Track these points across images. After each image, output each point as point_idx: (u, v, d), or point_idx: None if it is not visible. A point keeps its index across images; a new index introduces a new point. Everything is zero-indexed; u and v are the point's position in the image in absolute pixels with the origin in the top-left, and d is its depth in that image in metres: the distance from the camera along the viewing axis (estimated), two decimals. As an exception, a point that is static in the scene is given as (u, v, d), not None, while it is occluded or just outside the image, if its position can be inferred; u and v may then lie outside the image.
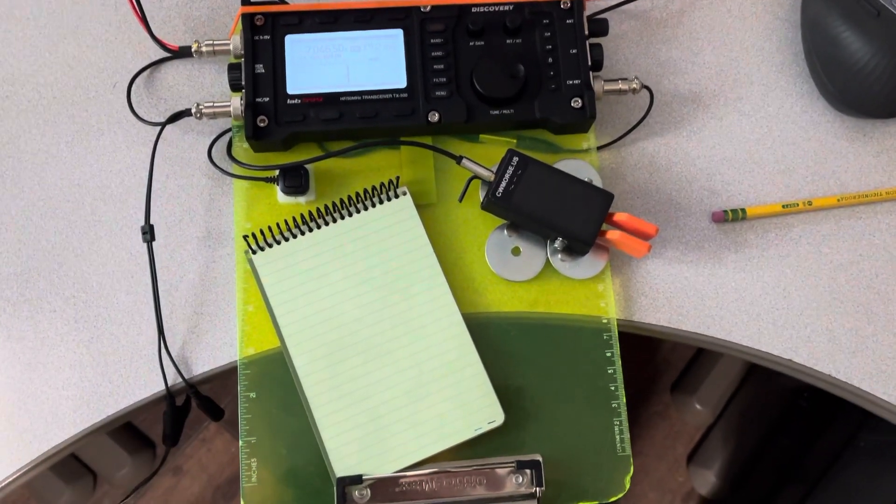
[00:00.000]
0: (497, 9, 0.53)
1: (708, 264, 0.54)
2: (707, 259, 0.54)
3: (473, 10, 0.53)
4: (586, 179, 0.52)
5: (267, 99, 0.51)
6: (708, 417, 1.19)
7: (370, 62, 0.53)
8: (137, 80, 0.55)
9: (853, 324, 0.54)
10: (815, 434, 1.13)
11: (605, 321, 0.52)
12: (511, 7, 0.53)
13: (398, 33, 0.53)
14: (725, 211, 0.54)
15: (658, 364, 1.23)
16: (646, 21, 0.58)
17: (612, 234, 0.51)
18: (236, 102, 0.51)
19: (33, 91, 0.55)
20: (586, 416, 0.51)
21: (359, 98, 0.52)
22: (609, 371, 0.52)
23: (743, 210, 0.54)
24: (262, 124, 0.51)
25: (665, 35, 0.58)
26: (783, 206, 0.55)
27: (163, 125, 0.53)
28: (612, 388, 0.51)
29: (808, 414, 1.15)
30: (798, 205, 0.55)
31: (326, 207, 0.52)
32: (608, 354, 0.52)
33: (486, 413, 0.50)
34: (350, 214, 0.52)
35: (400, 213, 0.53)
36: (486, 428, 0.49)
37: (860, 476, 0.99)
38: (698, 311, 0.53)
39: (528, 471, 0.48)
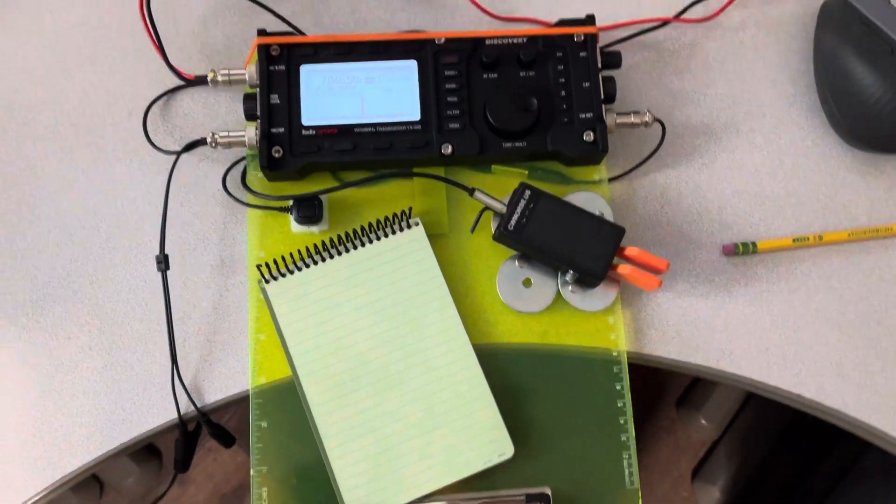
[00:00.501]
0: (511, 41, 0.54)
1: (718, 297, 0.54)
2: (717, 292, 0.54)
3: (487, 42, 0.54)
4: (598, 212, 0.52)
5: (282, 129, 0.52)
6: (713, 433, 1.19)
7: (384, 93, 0.53)
8: (153, 108, 0.56)
9: (862, 359, 0.54)
10: (821, 452, 1.13)
11: (615, 354, 0.53)
12: (525, 40, 0.54)
13: (412, 65, 0.53)
14: (736, 244, 0.54)
15: (663, 379, 1.23)
16: (659, 52, 0.59)
17: (623, 269, 0.51)
18: (251, 132, 0.52)
19: (51, 118, 0.56)
20: (595, 450, 0.51)
21: (373, 130, 0.52)
22: (619, 404, 0.52)
23: (753, 243, 0.55)
24: (276, 155, 0.51)
25: (678, 66, 0.58)
26: (794, 241, 0.55)
27: (178, 154, 0.54)
28: (622, 422, 0.52)
29: (814, 431, 1.15)
30: (809, 239, 0.55)
31: (339, 237, 0.52)
32: (618, 387, 0.52)
33: (496, 446, 0.50)
34: (363, 244, 0.53)
35: (412, 243, 0.53)
36: (496, 461, 0.50)
37: (866, 496, 0.99)
38: (708, 344, 0.54)
39: (537, 504, 0.48)
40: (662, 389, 1.22)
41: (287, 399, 0.51)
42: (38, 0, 0.58)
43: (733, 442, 1.20)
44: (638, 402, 0.52)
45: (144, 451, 1.16)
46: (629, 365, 0.52)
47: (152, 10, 0.54)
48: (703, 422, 1.18)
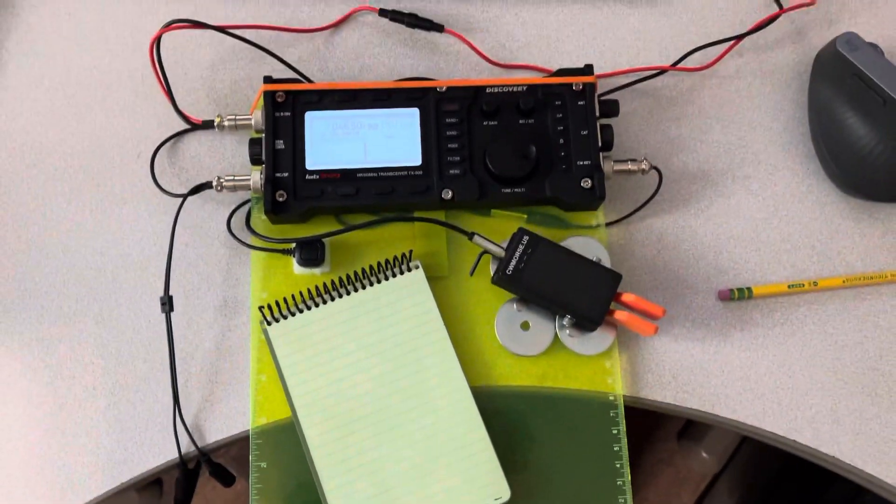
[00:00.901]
0: (511, 90, 0.55)
1: (714, 342, 0.55)
2: (713, 337, 0.55)
3: (488, 91, 0.55)
4: (595, 257, 0.53)
5: (286, 174, 0.53)
6: (714, 466, 1.19)
7: (387, 139, 0.54)
8: (161, 151, 0.57)
9: (857, 405, 0.54)
10: (822, 487, 1.13)
11: (612, 398, 0.53)
12: (524, 89, 0.55)
13: (414, 112, 0.54)
14: (732, 290, 0.55)
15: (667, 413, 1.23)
16: (656, 99, 0.60)
17: (620, 315, 0.52)
18: (256, 177, 0.53)
19: (60, 160, 0.57)
20: (592, 494, 0.52)
21: (375, 175, 0.53)
22: (615, 448, 0.52)
23: (749, 289, 0.55)
24: (280, 199, 0.53)
25: (675, 113, 0.60)
26: (789, 286, 0.56)
27: (184, 197, 0.55)
28: (618, 466, 0.52)
29: (814, 467, 1.14)
30: (804, 285, 0.56)
31: (340, 280, 0.53)
32: (615, 431, 0.53)
33: (493, 489, 0.50)
34: (363, 287, 0.54)
35: (412, 286, 0.54)
36: (492, 504, 0.50)
37: (867, 533, 0.98)
38: (704, 388, 0.54)
39: (533, 549, 0.49)
40: (663, 421, 1.22)
41: (287, 440, 0.52)
42: (52, 45, 0.59)
43: (734, 476, 1.19)
44: (638, 433, 0.52)
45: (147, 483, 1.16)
46: (635, 406, 0.53)
47: (162, 55, 0.56)
48: (704, 455, 1.18)
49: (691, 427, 1.20)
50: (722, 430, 1.20)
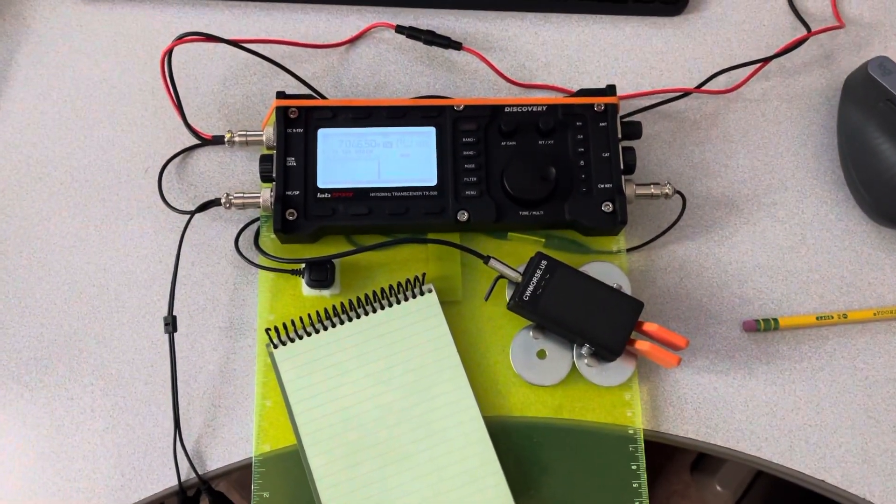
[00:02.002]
0: (530, 109, 0.53)
1: (738, 375, 0.53)
2: (737, 370, 0.53)
3: (507, 110, 0.53)
4: (615, 284, 0.51)
5: (297, 192, 0.51)
6: (729, 500, 1.16)
7: (401, 158, 0.52)
8: (169, 167, 0.56)
9: (889, 444, 0.52)
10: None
11: (631, 431, 0.51)
12: (544, 108, 0.53)
13: (430, 131, 0.53)
14: (757, 320, 0.53)
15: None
16: (680, 122, 0.58)
17: (642, 345, 0.49)
18: (266, 194, 0.51)
19: (66, 173, 0.56)
20: (609, 533, 0.49)
21: (389, 194, 0.52)
22: (634, 485, 0.50)
23: (776, 320, 0.53)
24: (290, 218, 0.51)
25: (699, 137, 0.58)
26: (817, 318, 0.53)
27: (192, 214, 0.53)
28: (637, 503, 0.50)
29: (833, 502, 1.11)
30: (833, 317, 0.53)
31: (350, 303, 0.51)
32: (633, 467, 0.50)
33: (506, 526, 0.48)
34: (374, 310, 0.52)
35: (424, 310, 0.52)
36: (504, 542, 0.48)
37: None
38: (728, 424, 0.52)
39: (547, 592, 0.46)
40: (677, 453, 1.19)
41: (291, 469, 0.49)
42: (61, 56, 0.58)
43: (749, 510, 1.16)
44: (652, 464, 0.50)
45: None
46: (656, 440, 0.51)
47: (173, 69, 0.54)
48: (719, 488, 1.15)
49: (705, 459, 1.17)
50: (737, 464, 1.17)
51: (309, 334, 0.51)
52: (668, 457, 1.18)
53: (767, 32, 0.60)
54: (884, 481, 0.51)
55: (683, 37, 0.60)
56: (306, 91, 0.56)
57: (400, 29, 0.58)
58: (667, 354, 0.49)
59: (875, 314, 0.53)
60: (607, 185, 0.52)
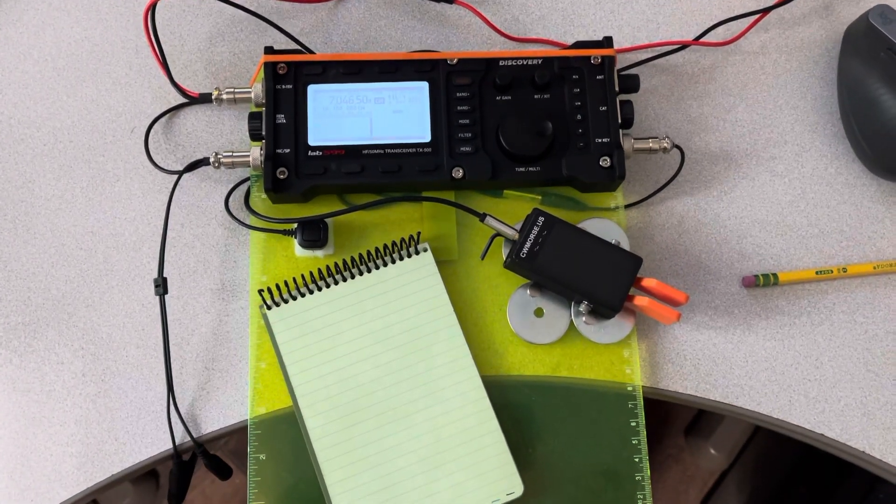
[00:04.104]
0: (526, 63, 0.52)
1: (737, 331, 0.52)
2: (737, 325, 0.52)
3: (501, 63, 0.52)
4: (613, 240, 0.50)
5: (287, 150, 0.50)
6: (723, 463, 1.17)
7: (394, 115, 0.51)
8: (156, 126, 0.54)
9: (889, 398, 0.51)
10: (833, 484, 1.10)
11: (630, 388, 0.50)
12: (540, 62, 0.52)
13: (423, 86, 0.52)
14: (756, 276, 0.52)
15: (672, 405, 1.21)
16: (677, 76, 0.57)
17: (641, 301, 0.49)
18: (256, 153, 0.50)
19: (49, 135, 0.54)
20: (609, 490, 0.49)
21: (381, 151, 0.51)
22: (633, 441, 0.50)
23: (775, 275, 0.52)
24: (281, 176, 0.50)
25: (696, 91, 0.57)
26: (817, 273, 0.53)
27: (180, 174, 0.52)
28: (637, 460, 0.49)
29: (826, 462, 1.12)
30: (832, 271, 0.53)
31: (345, 262, 0.50)
32: (633, 424, 0.50)
33: (505, 484, 0.48)
34: (369, 270, 0.51)
35: (420, 269, 0.51)
36: (504, 500, 0.47)
37: (880, 531, 0.96)
38: (727, 379, 0.51)
39: (547, 548, 0.46)
40: (670, 416, 1.20)
41: (287, 431, 0.49)
42: (41, 14, 0.56)
43: (743, 472, 1.17)
44: (645, 429, 0.50)
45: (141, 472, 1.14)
46: (655, 397, 0.50)
47: (157, 26, 0.53)
48: (713, 451, 1.16)
49: (699, 423, 1.18)
50: (730, 426, 1.18)
51: (303, 295, 0.50)
52: (662, 421, 1.18)
53: (766, -17, 0.59)
54: (883, 434, 0.51)
55: (681, -12, 0.59)
56: (296, 47, 0.55)
57: (390, -18, 0.57)
58: (666, 310, 0.48)
59: (875, 268, 0.53)
60: (605, 140, 0.51)
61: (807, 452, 1.16)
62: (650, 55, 0.56)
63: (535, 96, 0.52)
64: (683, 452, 1.18)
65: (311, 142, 0.50)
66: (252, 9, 0.54)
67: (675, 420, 1.20)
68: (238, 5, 0.54)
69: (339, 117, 0.51)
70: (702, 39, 0.57)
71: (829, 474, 1.10)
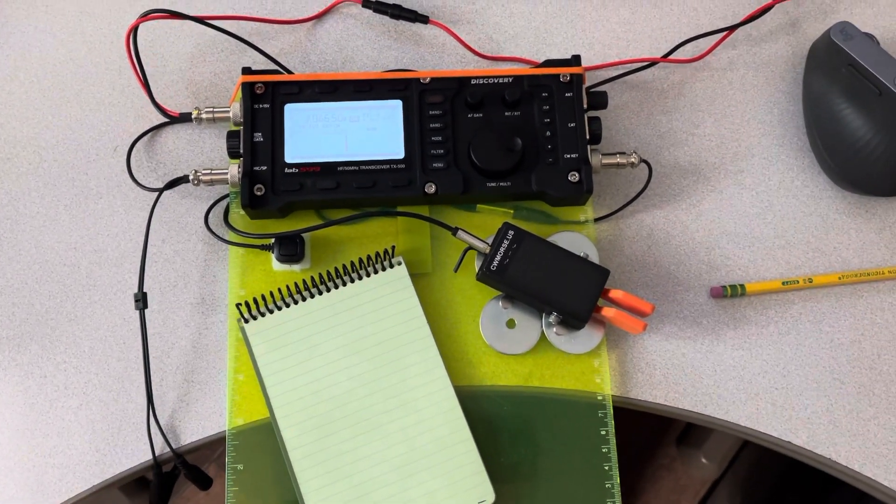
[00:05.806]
0: (496, 81, 0.54)
1: (706, 341, 0.53)
2: (705, 335, 0.53)
3: (473, 82, 0.53)
4: (583, 253, 0.52)
5: (265, 168, 0.51)
6: (714, 472, 1.17)
7: (368, 132, 0.53)
8: (137, 145, 0.56)
9: (854, 405, 0.52)
10: (824, 494, 1.11)
11: (600, 398, 0.51)
12: (510, 80, 0.53)
13: (397, 104, 0.53)
14: (724, 286, 0.54)
15: (663, 416, 1.21)
16: (646, 92, 0.58)
17: (608, 311, 0.50)
18: (234, 170, 0.52)
19: (34, 153, 0.56)
20: (579, 497, 0.50)
21: (356, 168, 0.52)
22: (603, 450, 0.51)
23: (742, 286, 0.54)
24: (258, 193, 0.51)
25: (666, 106, 0.58)
26: (783, 283, 0.54)
27: (160, 191, 0.53)
28: (606, 468, 0.50)
29: (816, 472, 1.12)
30: (798, 282, 0.54)
31: (321, 276, 0.52)
32: (603, 432, 0.51)
33: (477, 492, 0.49)
34: (344, 284, 0.52)
35: (394, 283, 0.52)
36: (475, 508, 0.48)
37: (869, 540, 0.96)
38: (695, 388, 0.53)
39: (517, 554, 0.47)
40: (662, 427, 1.20)
41: (264, 441, 0.50)
42: (27, 37, 0.58)
43: (735, 482, 1.17)
44: (637, 439, 0.51)
45: (133, 483, 1.14)
46: (625, 406, 0.51)
47: (139, 48, 0.54)
48: (704, 460, 1.16)
49: (691, 432, 1.19)
50: (722, 436, 1.18)
51: (280, 308, 0.51)
52: (654, 431, 1.19)
53: (733, 1, 0.60)
54: (848, 441, 0.52)
55: (649, 6, 0.60)
56: (274, 68, 0.56)
57: (366, 3, 0.58)
58: (632, 320, 0.49)
59: (840, 278, 0.54)
60: (573, 155, 0.52)
61: (797, 462, 1.16)
62: (620, 72, 0.58)
63: (506, 113, 0.53)
64: (675, 462, 1.19)
65: (288, 159, 0.52)
66: (232, 30, 0.56)
67: (666, 430, 1.20)
68: (217, 27, 0.55)
69: (314, 135, 0.52)
70: (671, 56, 0.58)
71: (820, 483, 1.11)
